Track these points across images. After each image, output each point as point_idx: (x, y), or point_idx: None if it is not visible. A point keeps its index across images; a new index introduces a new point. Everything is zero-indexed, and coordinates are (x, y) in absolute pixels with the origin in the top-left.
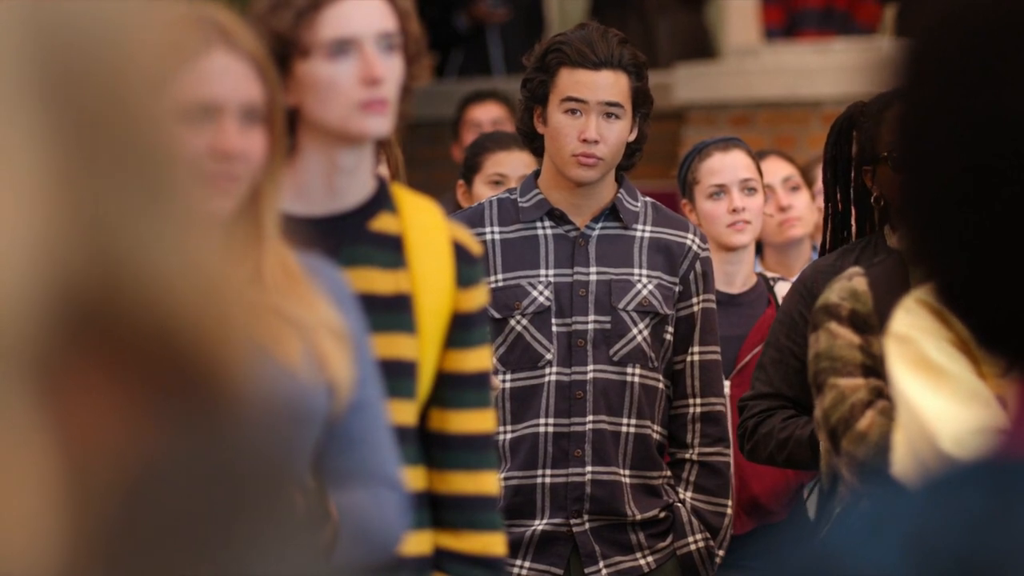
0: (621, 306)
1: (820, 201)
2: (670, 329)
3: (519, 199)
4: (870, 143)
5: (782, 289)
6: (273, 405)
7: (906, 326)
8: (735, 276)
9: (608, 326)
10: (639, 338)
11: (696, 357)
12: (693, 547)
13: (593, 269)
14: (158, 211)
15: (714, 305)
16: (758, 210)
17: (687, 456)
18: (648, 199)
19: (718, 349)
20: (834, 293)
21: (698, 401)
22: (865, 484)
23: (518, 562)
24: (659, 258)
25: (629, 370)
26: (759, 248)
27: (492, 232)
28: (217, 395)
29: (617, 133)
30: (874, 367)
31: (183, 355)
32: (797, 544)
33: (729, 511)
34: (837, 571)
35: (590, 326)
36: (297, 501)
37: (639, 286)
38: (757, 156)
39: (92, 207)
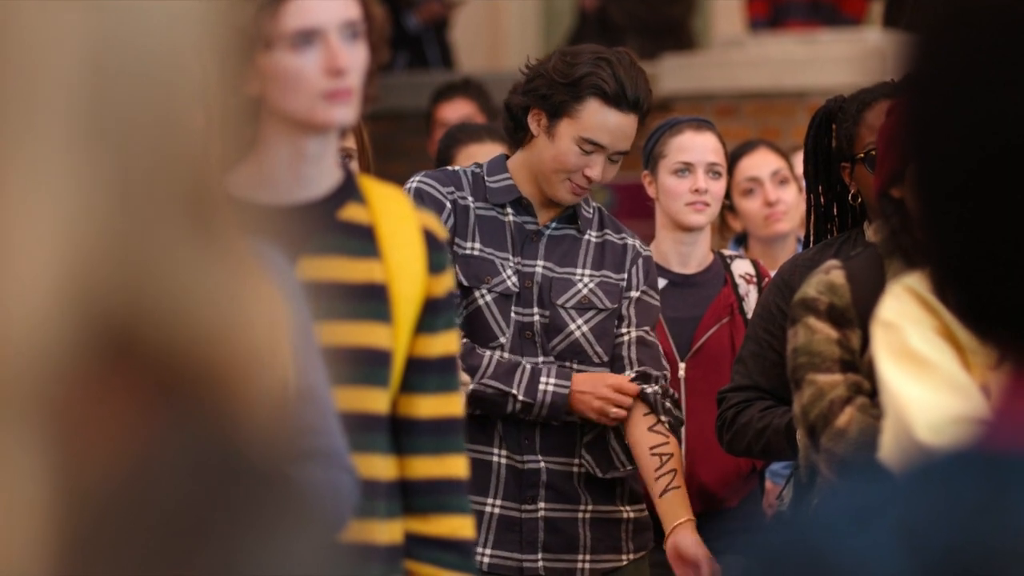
0: (559, 302)
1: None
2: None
3: (487, 177)
4: (848, 141)
5: (739, 267)
6: (271, 401)
7: (893, 313)
8: (690, 257)
9: (547, 320)
10: (577, 333)
11: (633, 334)
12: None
13: (540, 263)
14: (190, 245)
15: (656, 301)
16: (719, 195)
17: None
18: (596, 204)
19: (654, 334)
20: (812, 287)
21: (633, 370)
22: (845, 479)
23: (478, 550)
24: (605, 258)
25: (567, 364)
26: (745, 240)
27: (471, 200)
28: (220, 393)
29: (611, 174)
30: (852, 362)
31: (193, 364)
32: (777, 533)
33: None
34: (823, 560)
35: (535, 318)
36: (296, 494)
37: (579, 285)
38: (745, 147)
39: (123, 238)
